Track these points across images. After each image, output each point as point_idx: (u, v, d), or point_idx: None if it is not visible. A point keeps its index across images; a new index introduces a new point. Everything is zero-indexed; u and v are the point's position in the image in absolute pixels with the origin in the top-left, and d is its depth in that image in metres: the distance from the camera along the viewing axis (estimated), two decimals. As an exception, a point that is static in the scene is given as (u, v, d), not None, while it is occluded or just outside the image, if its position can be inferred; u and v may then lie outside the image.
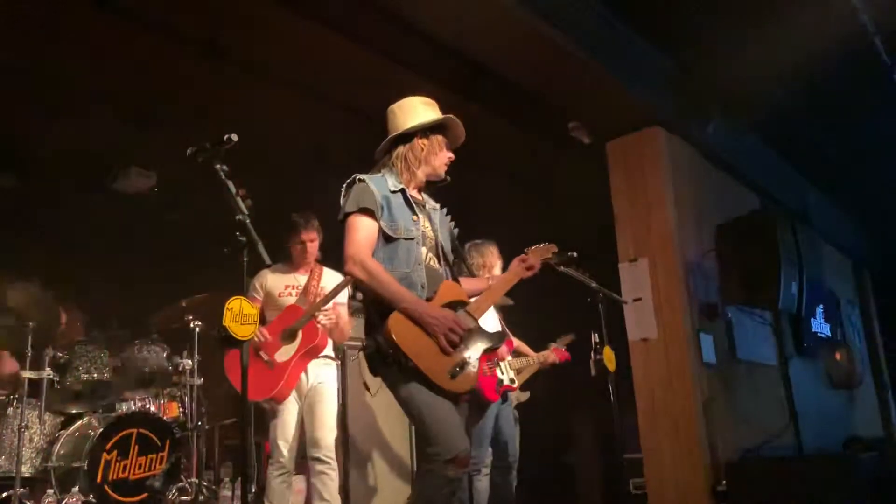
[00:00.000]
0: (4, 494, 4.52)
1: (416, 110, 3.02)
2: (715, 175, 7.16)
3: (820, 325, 8.07)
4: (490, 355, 4.51)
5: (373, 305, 2.76)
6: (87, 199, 6.71)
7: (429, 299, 2.76)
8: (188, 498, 4.92)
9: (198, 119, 5.91)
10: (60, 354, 4.97)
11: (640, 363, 6.07)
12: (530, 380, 5.22)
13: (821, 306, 8.10)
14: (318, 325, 4.28)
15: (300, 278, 4.50)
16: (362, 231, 2.76)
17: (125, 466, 4.69)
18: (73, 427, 4.92)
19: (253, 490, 3.22)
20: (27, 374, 4.76)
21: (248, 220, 2.67)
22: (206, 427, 5.43)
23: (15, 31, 4.94)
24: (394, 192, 2.88)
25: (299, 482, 4.75)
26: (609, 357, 4.34)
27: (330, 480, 4.17)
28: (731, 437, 6.08)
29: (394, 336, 2.60)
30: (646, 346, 6.04)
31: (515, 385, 4.80)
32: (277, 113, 6.10)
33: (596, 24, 5.54)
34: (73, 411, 5.08)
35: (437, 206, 3.11)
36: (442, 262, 2.92)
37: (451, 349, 2.67)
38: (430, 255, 2.88)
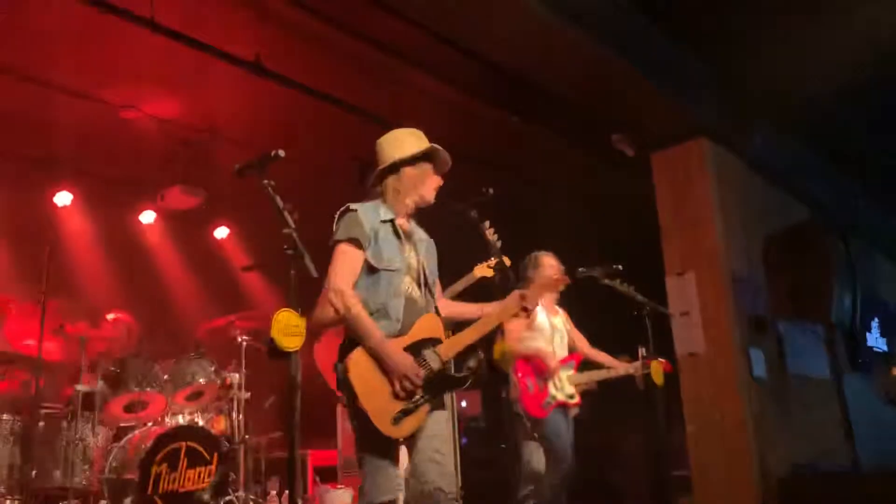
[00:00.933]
0: (59, 505, 4.63)
1: (402, 142, 3.08)
2: (762, 186, 7.03)
3: (876, 340, 7.84)
4: (538, 372, 4.46)
5: (349, 331, 2.82)
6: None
7: (402, 333, 2.81)
8: (236, 511, 4.97)
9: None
10: (113, 368, 5.07)
11: (688, 378, 5.96)
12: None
13: (876, 320, 7.87)
14: None
15: None
16: (347, 261, 2.83)
17: (175, 479, 4.76)
18: (124, 439, 5.02)
19: (299, 503, 3.21)
20: (80, 388, 4.88)
21: (295, 234, 2.70)
22: (253, 441, 5.48)
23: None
24: (384, 221, 2.94)
25: (345, 496, 4.77)
26: (657, 371, 4.27)
27: None
28: (782, 454, 5.92)
29: (350, 373, 2.70)
30: (694, 360, 5.94)
31: (574, 401, 4.55)
32: (320, 128, 6.19)
33: (639, 35, 5.52)
34: (125, 424, 5.18)
35: (425, 237, 3.14)
36: (424, 292, 2.95)
37: (403, 394, 2.72)
38: (413, 284, 2.92)
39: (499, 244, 3.56)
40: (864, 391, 7.80)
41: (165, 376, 5.21)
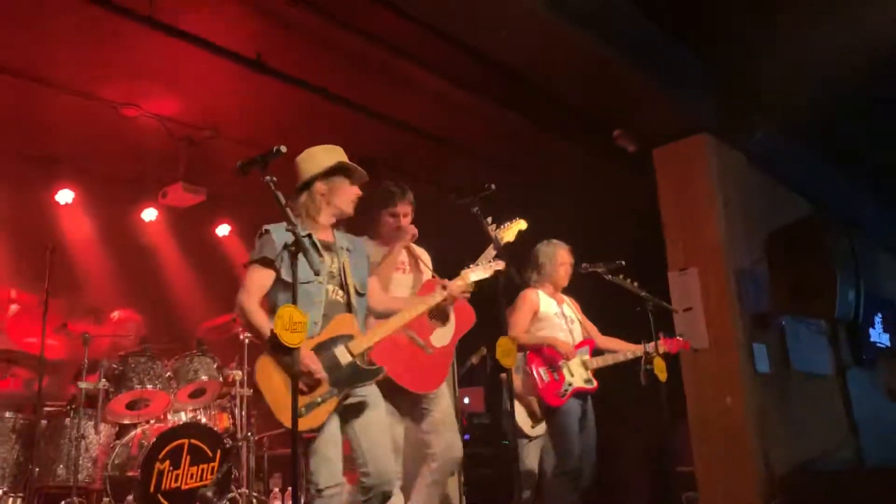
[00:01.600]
0: (63, 503, 4.63)
1: (314, 158, 3.20)
2: (764, 182, 7.01)
3: (879, 335, 7.83)
4: (550, 361, 4.44)
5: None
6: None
7: (314, 335, 2.97)
8: (239, 508, 4.97)
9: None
10: (115, 365, 5.07)
11: (691, 373, 5.95)
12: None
13: (879, 315, 7.86)
14: (467, 304, 3.80)
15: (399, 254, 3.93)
16: (255, 280, 3.02)
17: (177, 476, 4.77)
18: (127, 437, 5.02)
19: (302, 501, 3.22)
20: (83, 385, 4.89)
21: (297, 230, 2.71)
22: (256, 438, 5.48)
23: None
24: (301, 237, 2.99)
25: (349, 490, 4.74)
26: (660, 367, 4.27)
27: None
28: (785, 450, 5.91)
29: (256, 374, 2.93)
30: (697, 356, 5.92)
31: (593, 386, 4.54)
32: (324, 126, 6.18)
33: (639, 32, 5.51)
34: (127, 421, 5.18)
35: (352, 244, 3.28)
36: (349, 295, 3.11)
37: (307, 390, 2.86)
38: (336, 290, 3.10)
39: (501, 240, 3.57)
40: (868, 387, 7.79)
41: (168, 374, 5.21)
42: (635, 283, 4.41)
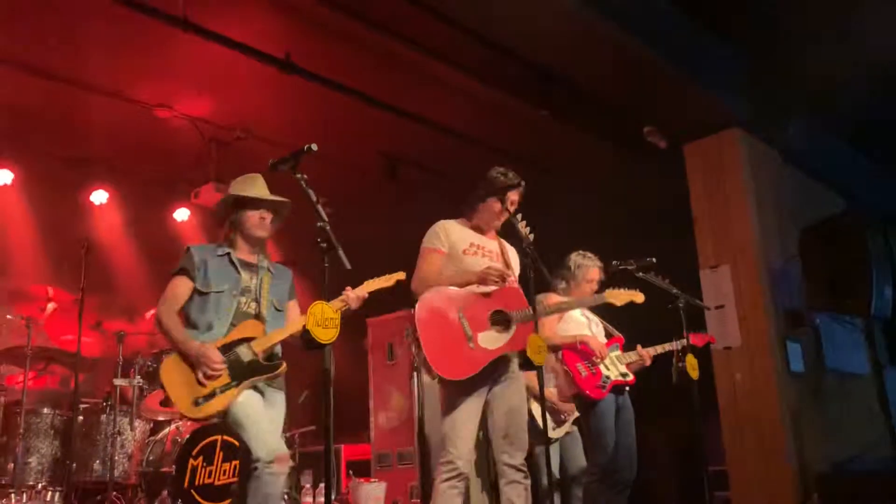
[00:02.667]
0: (98, 498, 4.71)
1: (231, 189, 3.52)
2: (798, 177, 6.91)
3: (917, 333, 7.67)
4: (585, 356, 4.42)
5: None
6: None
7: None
8: (270, 504, 5.00)
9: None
10: (149, 363, 5.15)
11: (723, 372, 5.89)
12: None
13: (916, 312, 7.69)
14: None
15: (485, 240, 3.78)
16: (171, 290, 3.36)
17: (210, 472, 4.81)
18: (161, 433, 5.09)
19: (333, 497, 3.24)
20: (118, 383, 4.97)
21: (328, 227, 2.73)
22: (287, 434, 5.52)
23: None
24: (220, 255, 3.44)
25: (378, 490, 4.79)
26: (692, 364, 4.22)
27: (527, 493, 3.50)
28: (821, 450, 5.83)
29: (161, 369, 3.24)
30: (729, 354, 5.86)
31: (629, 379, 4.53)
32: (352, 125, 6.22)
33: (668, 24, 5.45)
34: (162, 418, 5.26)
35: (274, 269, 3.57)
36: (263, 308, 3.41)
37: (205, 380, 3.13)
38: (249, 302, 3.40)
39: (531, 236, 3.55)
40: (905, 386, 7.64)
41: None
42: (666, 280, 4.37)
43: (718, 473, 5.87)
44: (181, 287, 3.35)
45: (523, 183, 3.73)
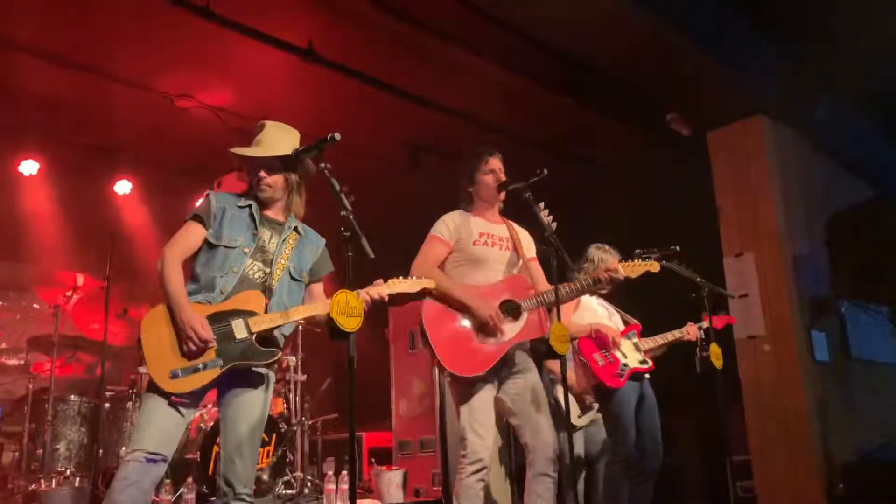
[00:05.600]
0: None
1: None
2: (825, 164, 6.81)
3: (944, 322, 7.55)
4: (601, 345, 4.40)
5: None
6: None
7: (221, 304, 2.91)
8: (293, 491, 5.06)
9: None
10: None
11: (747, 361, 5.84)
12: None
13: (945, 301, 7.58)
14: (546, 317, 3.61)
15: (492, 227, 3.74)
16: (182, 234, 3.00)
17: (235, 459, 4.86)
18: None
19: (357, 484, 3.25)
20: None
21: (351, 216, 2.73)
22: (310, 422, 5.57)
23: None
24: (241, 206, 3.09)
25: (400, 477, 4.80)
26: (716, 353, 4.19)
27: (555, 487, 3.42)
28: (846, 439, 5.77)
29: (142, 323, 2.82)
30: (753, 343, 5.81)
31: (648, 366, 4.46)
32: (375, 114, 6.21)
33: (697, 9, 5.37)
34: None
35: (305, 234, 3.19)
36: (273, 275, 3.02)
37: (192, 350, 2.77)
38: (258, 265, 3.01)
39: (553, 225, 3.53)
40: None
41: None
42: (690, 269, 4.33)
43: (742, 463, 5.84)
44: (194, 234, 2.98)
45: (496, 151, 3.77)
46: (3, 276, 7.03)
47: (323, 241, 3.27)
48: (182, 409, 2.79)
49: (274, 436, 5.06)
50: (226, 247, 2.95)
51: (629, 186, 7.27)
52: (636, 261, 3.96)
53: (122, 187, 7.06)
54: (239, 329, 2.85)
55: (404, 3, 5.02)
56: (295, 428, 5.36)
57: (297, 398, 5.47)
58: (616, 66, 5.67)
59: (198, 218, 2.99)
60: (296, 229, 3.14)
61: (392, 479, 5.38)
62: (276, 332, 2.96)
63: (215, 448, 4.81)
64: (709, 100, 5.97)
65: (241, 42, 5.14)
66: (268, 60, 5.57)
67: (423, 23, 5.18)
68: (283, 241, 3.07)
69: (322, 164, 2.83)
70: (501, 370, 3.49)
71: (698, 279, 4.27)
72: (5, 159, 6.52)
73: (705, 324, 4.55)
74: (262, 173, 3.10)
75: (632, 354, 4.47)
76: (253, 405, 2.93)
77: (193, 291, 2.88)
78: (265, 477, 4.84)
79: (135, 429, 2.81)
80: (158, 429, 2.74)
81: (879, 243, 6.08)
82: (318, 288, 3.24)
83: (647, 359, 4.52)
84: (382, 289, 3.04)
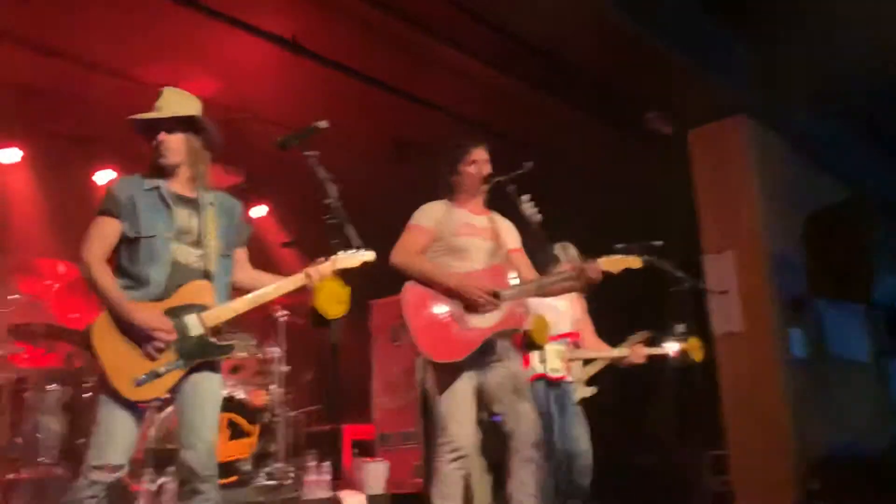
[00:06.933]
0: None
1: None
2: (803, 164, 6.92)
3: (918, 322, 7.70)
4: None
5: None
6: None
7: (161, 298, 2.79)
8: (275, 482, 5.06)
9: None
10: (155, 342, 5.17)
11: (725, 357, 5.92)
12: (598, 373, 5.08)
13: (920, 302, 7.71)
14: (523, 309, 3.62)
15: (474, 218, 3.71)
16: (97, 233, 2.82)
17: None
18: (167, 410, 5.12)
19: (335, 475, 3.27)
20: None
21: (337, 203, 2.75)
22: (292, 414, 5.57)
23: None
24: (147, 190, 2.90)
25: (382, 469, 4.81)
26: (694, 346, 4.24)
27: (540, 472, 3.43)
28: (821, 436, 5.87)
29: (93, 334, 2.69)
30: (731, 339, 5.89)
31: (557, 376, 4.40)
32: (359, 108, 6.21)
33: (675, 10, 5.44)
34: (167, 395, 5.28)
35: (219, 201, 3.04)
36: (209, 258, 2.90)
37: (155, 355, 2.69)
38: (188, 250, 2.88)
39: (538, 218, 3.55)
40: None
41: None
42: (672, 265, 4.38)
43: (719, 458, 5.92)
44: (109, 229, 2.80)
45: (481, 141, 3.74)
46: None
47: (238, 203, 3.14)
48: (135, 419, 2.72)
49: (256, 427, 5.06)
50: (146, 237, 2.80)
51: (611, 184, 7.33)
52: (616, 256, 3.98)
53: (104, 177, 6.99)
54: (194, 325, 2.77)
55: (388, -2, 5.04)
56: (277, 419, 5.36)
57: (280, 390, 5.47)
58: (597, 66, 5.71)
59: (108, 212, 2.82)
60: (211, 204, 2.98)
61: (374, 471, 5.40)
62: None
63: (197, 438, 4.80)
64: (689, 99, 6.04)
65: (226, 32, 5.12)
66: (253, 51, 5.55)
67: (407, 17, 5.19)
68: (205, 219, 2.92)
69: (308, 153, 2.84)
70: (482, 359, 3.48)
71: (679, 274, 4.32)
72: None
73: (657, 350, 4.52)
74: (162, 135, 2.94)
75: (550, 360, 4.33)
76: (209, 389, 2.84)
77: (127, 288, 2.75)
78: (247, 467, 4.85)
79: (95, 441, 2.68)
80: (123, 439, 2.69)
81: (855, 242, 6.18)
82: (243, 254, 3.12)
83: (562, 369, 4.40)
84: (327, 266, 2.93)
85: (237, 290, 3.06)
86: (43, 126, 6.50)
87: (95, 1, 5.08)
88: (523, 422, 3.42)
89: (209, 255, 2.88)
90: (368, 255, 3.03)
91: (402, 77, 5.97)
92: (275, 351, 5.47)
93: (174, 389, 2.78)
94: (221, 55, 5.79)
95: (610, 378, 5.12)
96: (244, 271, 3.09)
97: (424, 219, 3.64)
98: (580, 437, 4.51)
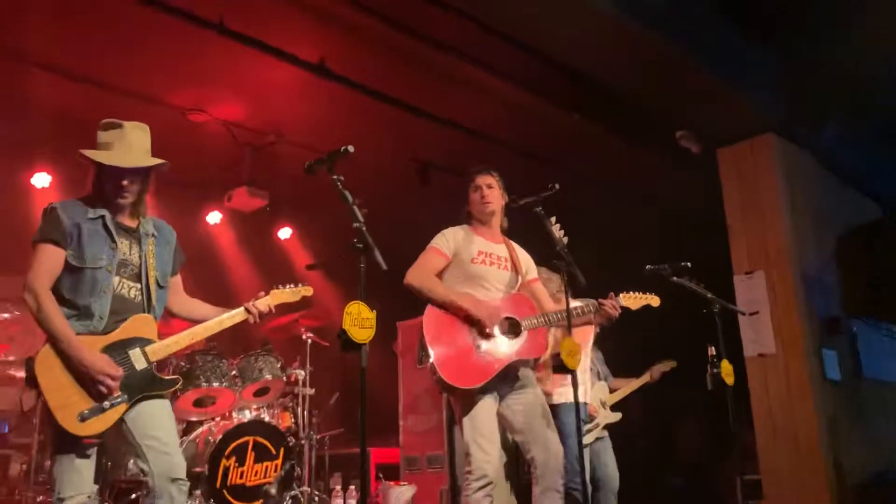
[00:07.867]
0: (133, 496, 4.76)
1: (99, 139, 3.03)
2: (834, 183, 6.80)
3: (957, 342, 7.49)
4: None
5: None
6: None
7: (108, 331, 2.79)
8: (301, 506, 5.04)
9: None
10: (183, 363, 5.20)
11: (757, 380, 5.80)
12: (628, 397, 5.07)
13: (958, 321, 7.52)
14: (549, 336, 3.67)
15: (493, 246, 3.72)
16: (43, 261, 2.77)
17: (242, 473, 4.85)
18: (194, 434, 5.14)
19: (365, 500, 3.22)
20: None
21: (364, 228, 2.74)
22: (317, 437, 5.55)
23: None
24: (92, 218, 2.87)
25: (408, 492, 4.77)
26: (727, 371, 4.15)
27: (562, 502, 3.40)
28: (857, 460, 5.71)
29: (37, 370, 2.66)
30: (763, 361, 5.78)
31: (590, 406, 4.56)
32: (386, 130, 6.24)
33: (705, 28, 5.40)
34: (194, 418, 5.30)
35: (157, 231, 3.07)
36: (144, 290, 2.91)
37: (97, 394, 2.68)
38: (128, 283, 2.88)
39: (565, 240, 3.53)
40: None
41: (233, 372, 5.30)
42: (701, 285, 4.31)
43: (752, 483, 5.78)
44: (54, 257, 2.74)
45: (490, 168, 3.78)
46: (10, 289, 7.05)
47: (174, 232, 3.17)
48: (89, 451, 2.73)
49: (282, 449, 5.04)
50: (91, 268, 2.79)
51: (639, 203, 7.27)
52: (635, 293, 3.94)
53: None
54: (138, 360, 2.80)
55: (413, 21, 5.05)
56: (303, 442, 5.34)
57: (305, 412, 5.45)
58: (624, 84, 5.68)
59: (51, 240, 2.77)
60: (151, 235, 3.01)
61: (400, 495, 5.35)
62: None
63: (223, 461, 4.81)
64: (717, 118, 5.98)
65: (254, 57, 5.18)
66: (280, 76, 5.61)
67: (432, 40, 5.21)
68: (144, 250, 2.94)
69: (335, 177, 2.84)
70: (503, 386, 3.48)
71: (710, 295, 4.25)
72: (11, 172, 6.54)
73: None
74: (126, 182, 2.90)
75: (592, 396, 4.52)
76: (158, 405, 2.85)
77: (69, 317, 2.73)
78: (272, 491, 4.82)
79: (60, 479, 2.71)
80: (88, 472, 2.75)
81: (889, 261, 6.06)
82: (177, 282, 3.14)
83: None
84: (266, 300, 3.01)
85: (171, 317, 3.13)
86: (73, 150, 6.57)
87: (126, 27, 5.16)
88: (550, 450, 3.40)
89: (150, 288, 2.91)
90: (306, 291, 3.16)
91: (428, 98, 5.98)
92: (300, 373, 5.46)
93: (119, 422, 2.77)
94: (250, 80, 5.87)
95: (642, 401, 5.08)
96: (179, 298, 3.14)
97: (443, 242, 3.67)
98: (608, 463, 4.59)
